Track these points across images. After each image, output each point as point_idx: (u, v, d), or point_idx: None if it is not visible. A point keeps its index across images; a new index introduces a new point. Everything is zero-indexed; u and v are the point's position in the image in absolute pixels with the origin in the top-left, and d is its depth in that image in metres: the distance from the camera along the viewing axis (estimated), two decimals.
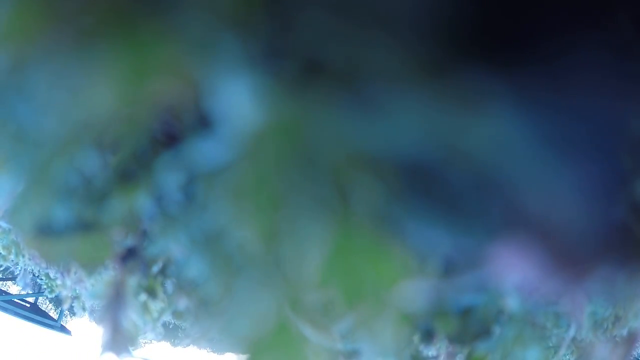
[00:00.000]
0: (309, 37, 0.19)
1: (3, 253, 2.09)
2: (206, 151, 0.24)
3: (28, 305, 5.03)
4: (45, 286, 2.26)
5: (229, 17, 0.20)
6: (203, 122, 0.24)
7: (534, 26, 0.19)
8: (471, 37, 0.19)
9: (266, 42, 0.20)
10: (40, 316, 4.85)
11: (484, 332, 0.38)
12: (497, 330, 0.38)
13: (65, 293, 0.61)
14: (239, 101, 0.21)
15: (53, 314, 5.82)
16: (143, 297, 0.46)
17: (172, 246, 0.32)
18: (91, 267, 0.35)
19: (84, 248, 0.33)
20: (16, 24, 0.21)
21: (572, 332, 0.43)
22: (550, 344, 0.44)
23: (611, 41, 0.19)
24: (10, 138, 0.26)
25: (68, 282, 0.54)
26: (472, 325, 0.37)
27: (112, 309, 0.40)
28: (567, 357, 0.49)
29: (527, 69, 0.19)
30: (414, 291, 0.24)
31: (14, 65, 0.22)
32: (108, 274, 0.40)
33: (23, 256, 1.97)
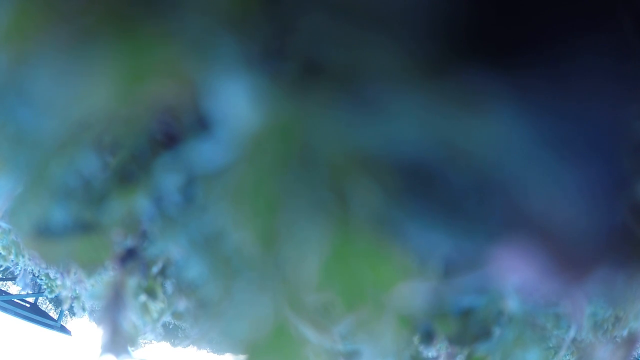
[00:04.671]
0: (307, 38, 0.19)
1: (3, 253, 2.09)
2: (205, 153, 0.24)
3: (28, 305, 5.03)
4: (45, 286, 2.26)
5: (227, 18, 0.20)
6: (202, 124, 0.24)
7: (535, 28, 0.19)
8: (472, 39, 0.19)
9: (264, 44, 0.20)
10: (40, 316, 4.85)
11: (484, 334, 0.38)
12: (497, 331, 0.38)
13: (65, 293, 0.61)
14: (238, 103, 0.21)
15: (53, 314, 5.83)
16: (143, 297, 0.46)
17: (171, 247, 0.32)
18: (91, 267, 0.35)
19: (83, 249, 0.33)
20: (16, 24, 0.21)
21: (572, 333, 0.43)
22: (551, 345, 0.44)
23: (612, 43, 0.19)
24: (10, 139, 0.26)
25: (68, 283, 0.54)
26: (472, 326, 0.37)
27: (111, 310, 0.40)
28: (567, 358, 0.49)
29: (528, 70, 0.19)
30: (414, 292, 0.24)
31: (13, 65, 0.22)
32: (108, 275, 0.40)
33: (23, 256, 1.97)
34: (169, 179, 0.27)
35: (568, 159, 0.21)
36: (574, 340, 0.45)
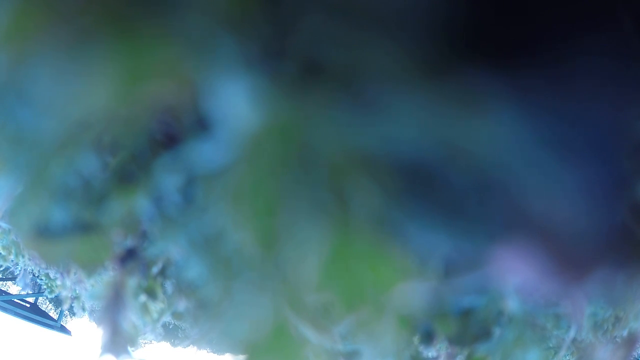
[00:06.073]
0: (307, 38, 0.19)
1: (3, 253, 2.09)
2: (205, 153, 0.24)
3: (28, 305, 5.03)
4: (45, 286, 2.26)
5: (227, 18, 0.20)
6: (202, 124, 0.24)
7: (535, 29, 0.19)
8: (472, 39, 0.19)
9: (264, 44, 0.20)
10: (40, 316, 4.85)
11: (484, 334, 0.38)
12: (497, 331, 0.38)
13: (65, 293, 0.61)
14: (238, 103, 0.21)
15: (53, 314, 5.83)
16: (143, 298, 0.46)
17: (171, 247, 0.32)
18: (91, 268, 0.35)
19: (83, 249, 0.33)
20: (16, 24, 0.21)
21: (572, 333, 0.43)
22: (551, 345, 0.44)
23: (612, 44, 0.19)
24: (10, 139, 0.26)
25: (68, 283, 0.54)
26: (472, 326, 0.37)
27: (111, 310, 0.40)
28: (567, 358, 0.49)
29: (528, 71, 0.19)
30: (414, 293, 0.24)
31: (13, 66, 0.22)
32: (108, 275, 0.40)
33: (23, 256, 1.98)
34: (169, 179, 0.27)
35: (568, 159, 0.21)
36: (574, 340, 0.45)
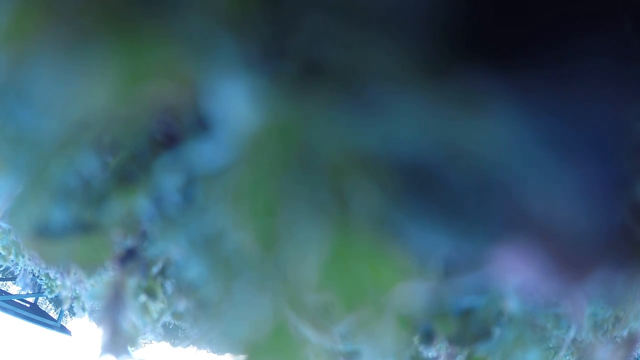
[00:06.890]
0: (307, 38, 0.19)
1: (3, 253, 2.09)
2: (205, 153, 0.24)
3: (28, 305, 5.03)
4: (45, 286, 2.26)
5: (227, 18, 0.20)
6: (202, 124, 0.24)
7: (535, 29, 0.19)
8: (472, 39, 0.19)
9: (264, 44, 0.20)
10: (40, 316, 4.85)
11: (484, 334, 0.38)
12: (497, 331, 0.38)
13: (65, 293, 0.61)
14: (238, 103, 0.21)
15: (53, 314, 5.83)
16: (143, 297, 0.46)
17: (171, 247, 0.32)
18: (91, 268, 0.35)
19: (83, 249, 0.33)
20: (16, 24, 0.21)
21: (572, 333, 0.43)
22: (551, 345, 0.44)
23: (612, 44, 0.19)
24: (10, 139, 0.26)
25: (68, 283, 0.54)
26: (472, 326, 0.37)
27: (111, 310, 0.40)
28: (567, 358, 0.49)
29: (528, 71, 0.19)
30: (414, 293, 0.24)
31: (13, 66, 0.22)
32: (108, 275, 0.40)
33: (23, 256, 1.98)
34: (168, 179, 0.28)
35: (568, 159, 0.21)
36: (574, 340, 0.45)
